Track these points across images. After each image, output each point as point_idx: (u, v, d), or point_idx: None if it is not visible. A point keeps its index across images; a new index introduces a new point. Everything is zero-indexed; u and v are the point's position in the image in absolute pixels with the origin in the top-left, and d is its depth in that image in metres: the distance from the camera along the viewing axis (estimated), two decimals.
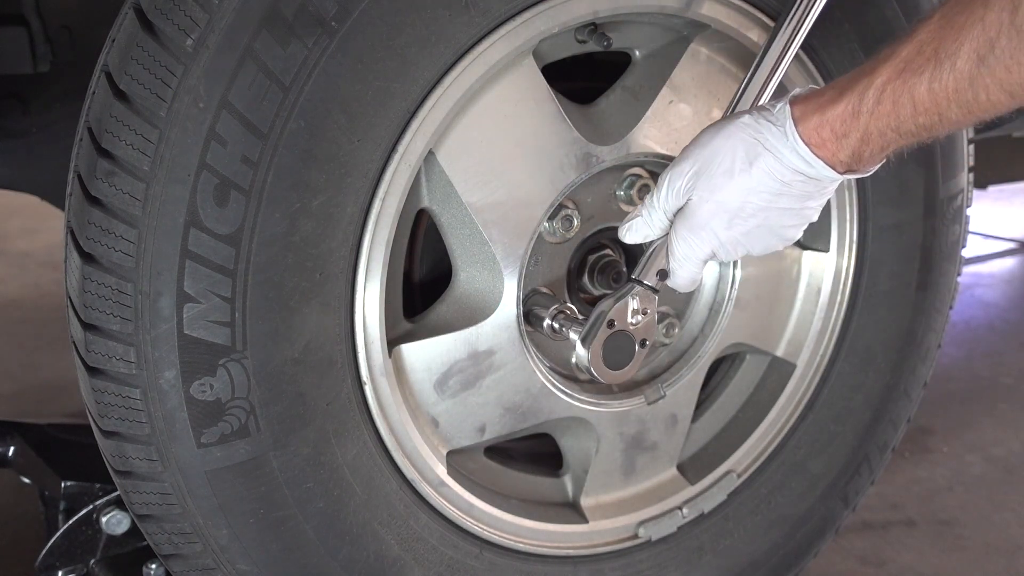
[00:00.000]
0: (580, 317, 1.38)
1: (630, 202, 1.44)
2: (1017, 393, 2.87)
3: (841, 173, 1.14)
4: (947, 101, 1.02)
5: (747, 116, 1.18)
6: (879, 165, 1.17)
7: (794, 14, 1.30)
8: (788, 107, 1.15)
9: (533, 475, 1.55)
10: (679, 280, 1.29)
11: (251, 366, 1.15)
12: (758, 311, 1.60)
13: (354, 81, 1.13)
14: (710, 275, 1.56)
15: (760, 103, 1.29)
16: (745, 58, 1.45)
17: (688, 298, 1.56)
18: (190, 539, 1.21)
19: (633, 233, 1.29)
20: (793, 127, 1.13)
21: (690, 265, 1.26)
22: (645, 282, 1.30)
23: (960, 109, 1.02)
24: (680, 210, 1.23)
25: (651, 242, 1.30)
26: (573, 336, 1.33)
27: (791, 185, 1.16)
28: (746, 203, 1.18)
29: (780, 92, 1.26)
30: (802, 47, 1.46)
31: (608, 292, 1.48)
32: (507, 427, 1.40)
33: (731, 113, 1.29)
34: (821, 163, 1.13)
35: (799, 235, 1.25)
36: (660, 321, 1.52)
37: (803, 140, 1.13)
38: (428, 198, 1.31)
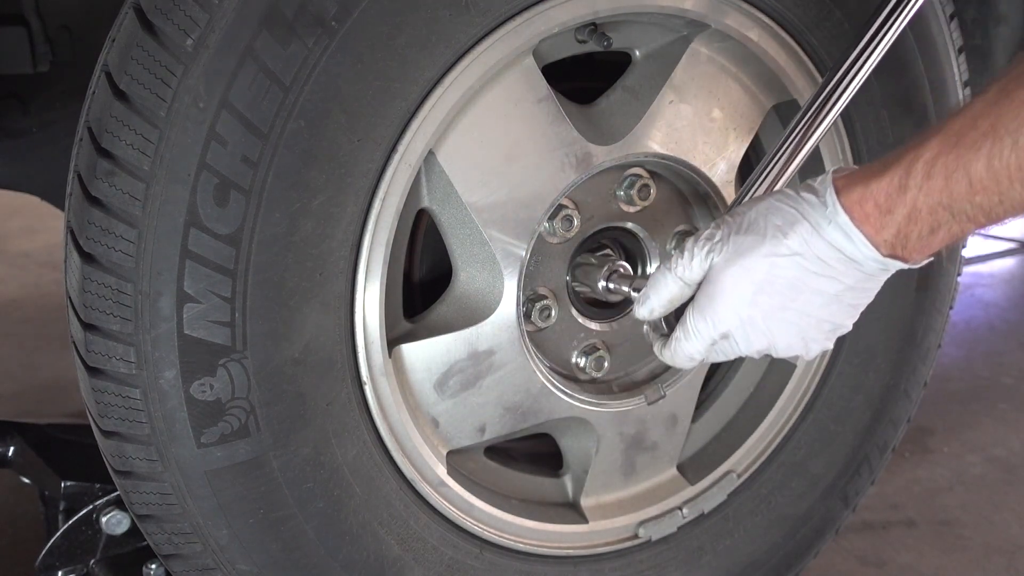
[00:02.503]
0: (634, 274, 1.36)
1: (630, 202, 1.44)
2: (1017, 393, 2.87)
3: (884, 255, 1.05)
4: (1009, 180, 0.94)
5: (788, 190, 1.11)
6: (927, 260, 1.07)
7: (818, 100, 1.25)
8: (829, 179, 1.08)
9: (533, 475, 1.55)
10: (676, 352, 1.18)
11: (251, 366, 1.15)
12: None
13: (354, 81, 1.13)
14: None
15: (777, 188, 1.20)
16: (746, 58, 1.45)
17: None
18: (190, 539, 1.21)
19: (642, 305, 1.19)
20: (835, 198, 1.06)
21: (696, 342, 1.15)
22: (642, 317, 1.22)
23: None
24: (703, 279, 1.14)
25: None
26: (634, 293, 1.30)
27: (828, 264, 1.07)
28: (774, 275, 1.08)
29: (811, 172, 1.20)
30: (802, 46, 1.47)
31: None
32: (507, 427, 1.40)
33: (746, 200, 1.21)
34: (862, 238, 1.04)
35: (829, 343, 1.15)
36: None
37: (845, 211, 1.05)
38: (428, 198, 1.31)
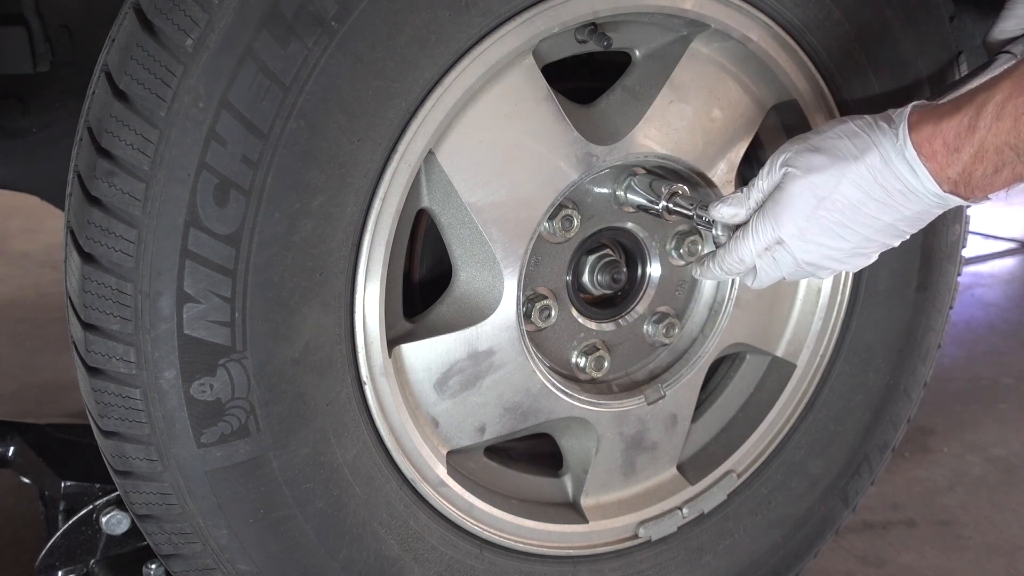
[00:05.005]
0: (692, 194, 1.38)
1: (630, 203, 1.44)
2: (1017, 393, 2.87)
3: (946, 191, 1.11)
4: None
5: (868, 116, 1.17)
6: (988, 200, 1.13)
7: None
8: (907, 113, 1.14)
9: (533, 475, 1.55)
10: (730, 250, 1.25)
11: (251, 366, 1.15)
12: (758, 311, 1.60)
13: (354, 81, 1.13)
14: None
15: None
16: (745, 58, 1.45)
17: (688, 298, 1.56)
18: (190, 539, 1.21)
19: (725, 206, 1.26)
20: (907, 132, 1.12)
21: (752, 242, 1.22)
22: (710, 219, 1.28)
23: None
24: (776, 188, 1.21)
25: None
26: (699, 212, 1.32)
27: (890, 193, 1.13)
28: (838, 193, 1.15)
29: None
30: (802, 46, 1.47)
31: (608, 292, 1.48)
32: (507, 427, 1.40)
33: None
34: (926, 173, 1.10)
35: (874, 258, 1.23)
36: (660, 321, 1.53)
37: (914, 147, 1.11)
38: (428, 198, 1.31)
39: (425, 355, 1.32)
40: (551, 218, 1.37)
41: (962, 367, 3.04)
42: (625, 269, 1.48)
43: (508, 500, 1.47)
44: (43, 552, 1.55)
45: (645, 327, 1.53)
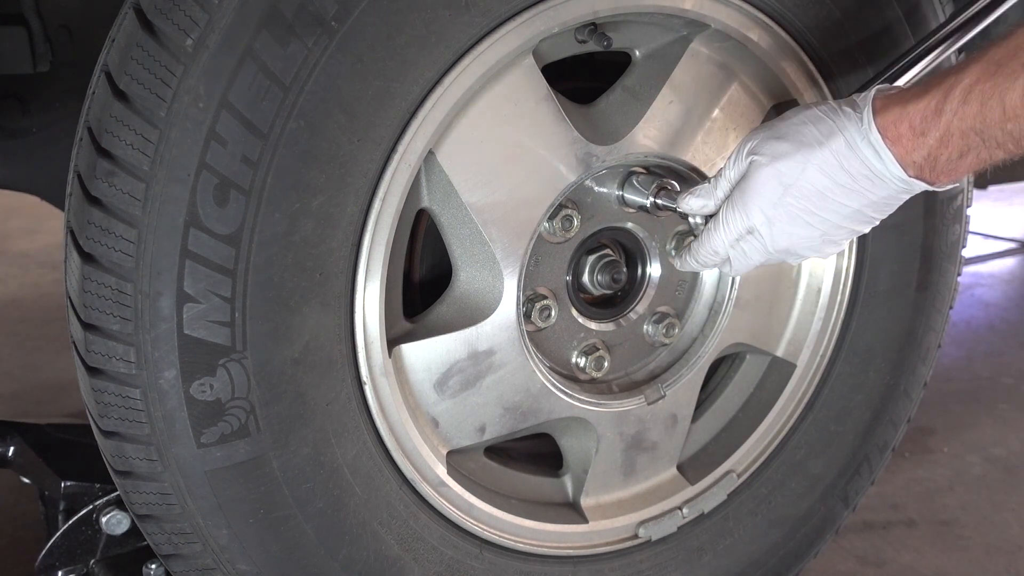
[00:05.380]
0: (679, 188, 1.37)
1: (629, 202, 1.44)
2: (1017, 393, 2.87)
3: (911, 175, 1.11)
4: None
5: (832, 101, 1.17)
6: (953, 184, 1.13)
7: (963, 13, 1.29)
8: (871, 97, 1.13)
9: (533, 475, 1.55)
10: (703, 243, 1.25)
11: (251, 366, 1.15)
12: (758, 311, 1.60)
13: (354, 81, 1.13)
14: (710, 273, 1.56)
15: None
16: (745, 58, 1.45)
17: (688, 298, 1.56)
18: (190, 539, 1.21)
19: (693, 199, 1.26)
20: (871, 116, 1.11)
21: (723, 233, 1.22)
22: (682, 207, 1.29)
23: None
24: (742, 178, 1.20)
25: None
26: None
27: (856, 179, 1.12)
28: (804, 180, 1.14)
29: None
30: (802, 46, 1.47)
31: (608, 292, 1.48)
32: (507, 427, 1.40)
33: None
34: (891, 157, 1.10)
35: (844, 246, 1.23)
36: (660, 321, 1.53)
37: (879, 131, 1.10)
38: (428, 198, 1.31)
39: (425, 355, 1.32)
40: (551, 218, 1.37)
41: (962, 367, 3.04)
42: (625, 269, 1.48)
43: (508, 500, 1.47)
44: (43, 552, 1.55)
45: (645, 327, 1.53)
